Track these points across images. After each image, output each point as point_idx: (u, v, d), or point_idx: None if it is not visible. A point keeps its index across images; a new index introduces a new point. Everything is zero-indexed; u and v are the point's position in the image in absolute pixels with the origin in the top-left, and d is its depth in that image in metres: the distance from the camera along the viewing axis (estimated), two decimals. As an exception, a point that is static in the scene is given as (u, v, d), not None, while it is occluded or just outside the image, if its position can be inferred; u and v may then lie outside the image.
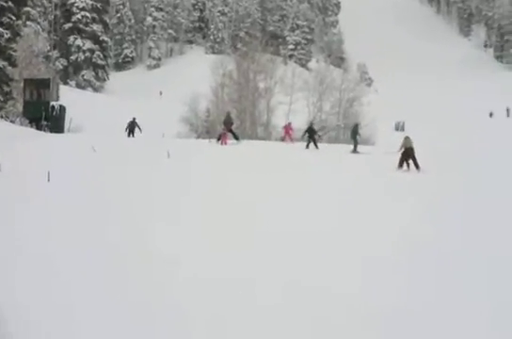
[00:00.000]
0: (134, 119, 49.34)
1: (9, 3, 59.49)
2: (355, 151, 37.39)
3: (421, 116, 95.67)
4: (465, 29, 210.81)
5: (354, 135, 38.41)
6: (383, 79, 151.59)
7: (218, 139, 39.58)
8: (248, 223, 15.94)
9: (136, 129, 48.93)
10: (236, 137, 40.10)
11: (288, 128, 45.33)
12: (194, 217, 16.69)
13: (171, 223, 15.80)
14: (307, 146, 38.53)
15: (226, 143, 38.73)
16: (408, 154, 28.45)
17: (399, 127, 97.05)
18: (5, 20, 59.16)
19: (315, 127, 40.98)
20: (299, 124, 51.91)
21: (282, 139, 44.96)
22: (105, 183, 22.34)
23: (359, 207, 18.53)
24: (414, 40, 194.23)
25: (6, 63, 59.30)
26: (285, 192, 20.69)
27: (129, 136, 48.80)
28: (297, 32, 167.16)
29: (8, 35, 58.94)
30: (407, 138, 29.23)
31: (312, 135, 39.47)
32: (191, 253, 12.94)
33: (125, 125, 49.63)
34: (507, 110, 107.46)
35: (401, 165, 28.51)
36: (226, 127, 39.96)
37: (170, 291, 10.73)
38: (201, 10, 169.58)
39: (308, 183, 23.12)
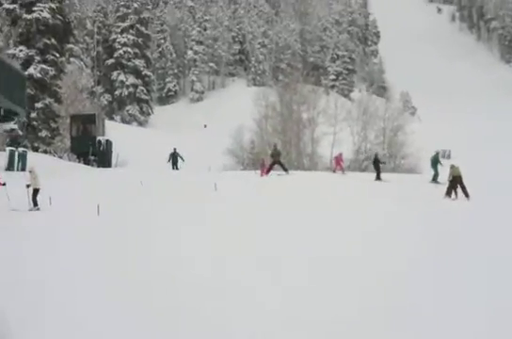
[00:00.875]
0: (175, 149, 48.52)
1: (52, 40, 60.45)
2: (378, 178, 37.19)
3: (466, 144, 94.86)
4: (506, 56, 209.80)
5: (376, 163, 38.40)
6: (426, 107, 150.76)
7: (268, 171, 38.82)
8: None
9: (180, 159, 48.44)
10: (285, 169, 39.44)
11: (339, 159, 44.75)
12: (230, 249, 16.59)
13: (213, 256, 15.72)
14: (378, 177, 37.93)
15: (266, 174, 38.16)
16: (456, 183, 28.04)
17: (445, 155, 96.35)
18: (49, 57, 60.11)
19: (379, 157, 40.44)
20: (346, 154, 51.73)
21: (334, 171, 44.36)
22: (154, 216, 22.34)
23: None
24: (456, 68, 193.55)
25: (52, 100, 60.15)
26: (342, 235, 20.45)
27: (173, 168, 47.98)
28: (338, 62, 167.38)
29: (52, 72, 59.82)
30: (453, 167, 28.80)
31: (377, 165, 39.07)
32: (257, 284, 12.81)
33: (169, 160, 49.13)
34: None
35: (449, 193, 28.09)
36: (274, 159, 39.12)
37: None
38: (241, 43, 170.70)
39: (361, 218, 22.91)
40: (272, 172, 38.45)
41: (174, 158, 47.95)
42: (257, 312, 11.13)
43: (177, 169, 47.61)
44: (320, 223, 20.36)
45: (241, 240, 17.34)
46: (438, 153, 38.27)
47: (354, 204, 25.00)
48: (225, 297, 12.01)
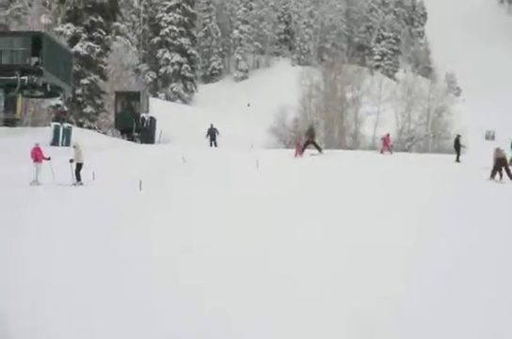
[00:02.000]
0: (212, 125, 47.66)
1: (99, 18, 60.92)
2: (457, 160, 36.82)
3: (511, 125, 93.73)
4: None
5: (457, 146, 37.90)
6: (472, 88, 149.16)
7: (302, 151, 37.91)
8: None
9: (217, 135, 47.70)
10: (319, 149, 38.85)
11: (387, 139, 44.33)
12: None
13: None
14: (457, 159, 37.51)
15: (301, 155, 37.46)
16: (501, 164, 28.05)
17: (489, 136, 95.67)
18: (95, 35, 60.59)
19: (462, 140, 39.67)
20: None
21: (381, 151, 43.83)
22: (196, 194, 22.55)
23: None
24: (503, 50, 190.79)
25: (97, 77, 60.71)
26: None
27: (211, 144, 47.21)
28: (384, 43, 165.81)
29: (98, 49, 60.34)
30: (498, 149, 28.85)
31: (458, 147, 38.45)
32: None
33: (207, 135, 47.79)
34: None
35: (493, 175, 28.02)
36: (309, 139, 38.64)
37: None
38: (287, 23, 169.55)
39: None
40: (306, 151, 38.13)
41: (212, 134, 47.37)
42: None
43: (215, 145, 47.39)
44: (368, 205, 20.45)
45: (281, 227, 17.25)
46: (459, 136, 38.53)
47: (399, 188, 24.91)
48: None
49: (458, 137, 39.09)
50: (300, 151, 37.76)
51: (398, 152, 50.69)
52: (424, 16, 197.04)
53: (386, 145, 43.63)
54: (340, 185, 24.91)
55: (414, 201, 21.09)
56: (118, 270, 12.60)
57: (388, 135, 46.11)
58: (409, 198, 21.66)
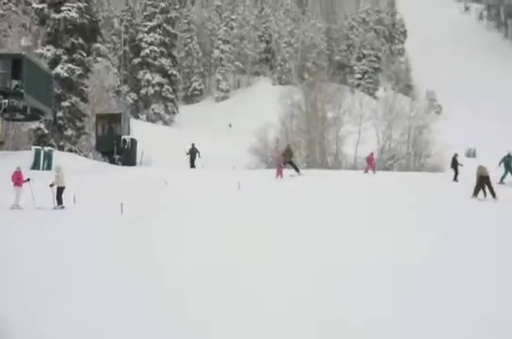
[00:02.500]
0: (193, 145, 47.55)
1: (80, 40, 61.03)
2: (455, 179, 36.82)
3: (492, 143, 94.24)
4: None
5: (455, 164, 37.90)
6: (452, 106, 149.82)
7: (280, 172, 37.67)
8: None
9: (197, 156, 47.24)
10: (297, 169, 39.04)
11: (370, 158, 44.72)
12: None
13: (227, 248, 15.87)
14: (455, 178, 37.48)
15: (282, 176, 37.21)
16: (483, 183, 28.01)
17: (470, 154, 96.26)
18: (76, 56, 60.70)
19: (458, 159, 39.56)
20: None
21: (366, 171, 44.02)
22: (178, 215, 22.54)
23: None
24: (482, 66, 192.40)
25: (78, 99, 60.74)
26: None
27: (191, 166, 47.05)
28: (364, 61, 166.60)
29: (79, 71, 60.40)
30: (480, 167, 28.77)
31: (455, 166, 38.38)
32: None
33: (188, 154, 47.42)
34: None
35: (476, 193, 28.04)
36: (285, 159, 38.73)
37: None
38: (268, 42, 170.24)
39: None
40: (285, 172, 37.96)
41: (192, 155, 47.18)
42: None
43: (194, 166, 47.00)
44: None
45: (264, 248, 17.24)
46: (456, 155, 38.59)
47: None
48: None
49: (456, 155, 39.16)
50: (281, 172, 37.53)
51: (379, 170, 50.80)
52: (404, 34, 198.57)
53: (370, 164, 43.93)
54: (325, 206, 24.81)
55: (396, 218, 21.14)
56: (104, 288, 12.54)
57: (372, 154, 46.53)
58: (390, 216, 21.69)
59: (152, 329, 10.40)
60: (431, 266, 14.55)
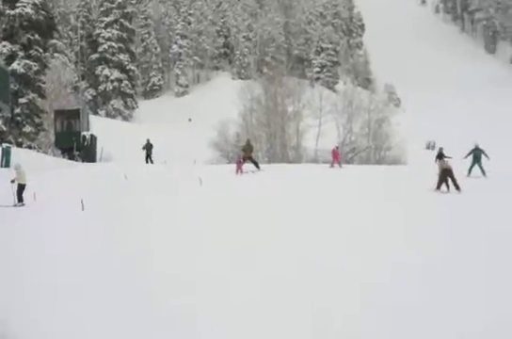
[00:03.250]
0: (148, 140, 47.13)
1: (36, 36, 60.48)
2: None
3: (451, 135, 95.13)
4: (490, 46, 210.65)
5: (441, 158, 36.81)
6: (411, 99, 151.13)
7: (240, 168, 36.80)
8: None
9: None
10: (257, 165, 37.81)
11: (336, 152, 42.94)
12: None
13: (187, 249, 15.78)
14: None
15: (242, 172, 36.45)
16: (446, 176, 27.67)
17: (430, 146, 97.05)
18: (32, 53, 60.15)
19: (444, 152, 38.58)
20: (331, 146, 51.12)
21: (332, 165, 43.12)
22: (138, 210, 22.35)
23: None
24: (440, 59, 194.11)
25: (36, 95, 60.21)
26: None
27: (147, 161, 46.65)
28: (323, 55, 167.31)
29: (36, 67, 59.89)
30: (443, 160, 28.81)
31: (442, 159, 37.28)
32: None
33: (143, 149, 47.02)
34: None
35: (439, 186, 27.66)
36: (246, 154, 37.78)
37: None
38: (226, 37, 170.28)
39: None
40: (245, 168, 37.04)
41: (148, 150, 46.88)
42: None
43: (152, 162, 46.69)
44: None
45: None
46: (441, 149, 37.92)
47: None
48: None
49: (441, 149, 38.32)
50: (241, 167, 36.87)
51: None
52: (362, 27, 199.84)
53: (336, 158, 43.11)
54: (292, 201, 24.27)
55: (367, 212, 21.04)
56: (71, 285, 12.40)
57: (337, 147, 45.67)
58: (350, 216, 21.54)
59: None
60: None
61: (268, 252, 15.21)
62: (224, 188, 28.65)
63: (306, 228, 18.24)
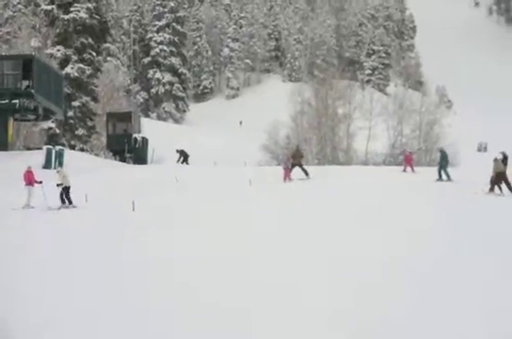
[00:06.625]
0: (183, 150, 51.39)
1: (89, 40, 61.26)
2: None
3: (503, 137, 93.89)
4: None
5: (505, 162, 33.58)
6: (463, 101, 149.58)
7: (287, 175, 34.46)
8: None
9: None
10: (306, 173, 34.81)
11: (409, 157, 41.46)
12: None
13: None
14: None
15: (290, 179, 34.05)
16: (499, 179, 26.92)
17: (482, 148, 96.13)
18: (86, 56, 60.95)
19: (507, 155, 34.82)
20: (380, 148, 50.89)
21: (404, 170, 41.28)
22: (190, 212, 22.45)
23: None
24: (492, 62, 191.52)
25: (89, 98, 61.01)
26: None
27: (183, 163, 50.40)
28: (374, 57, 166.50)
29: (89, 71, 60.66)
30: (496, 162, 27.61)
31: (505, 163, 34.17)
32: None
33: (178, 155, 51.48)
34: None
35: (492, 189, 26.78)
36: (294, 161, 35.18)
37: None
38: (277, 39, 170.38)
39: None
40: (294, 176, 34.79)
41: (185, 159, 50.96)
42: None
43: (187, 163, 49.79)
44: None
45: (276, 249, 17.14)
46: (442, 152, 35.84)
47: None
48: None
49: (504, 153, 33.98)
50: (289, 175, 34.53)
51: (391, 166, 50.48)
52: (414, 29, 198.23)
53: (409, 163, 40.93)
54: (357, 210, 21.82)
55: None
56: (116, 284, 12.61)
57: (410, 152, 44.08)
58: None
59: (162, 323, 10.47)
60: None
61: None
62: (273, 189, 28.54)
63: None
